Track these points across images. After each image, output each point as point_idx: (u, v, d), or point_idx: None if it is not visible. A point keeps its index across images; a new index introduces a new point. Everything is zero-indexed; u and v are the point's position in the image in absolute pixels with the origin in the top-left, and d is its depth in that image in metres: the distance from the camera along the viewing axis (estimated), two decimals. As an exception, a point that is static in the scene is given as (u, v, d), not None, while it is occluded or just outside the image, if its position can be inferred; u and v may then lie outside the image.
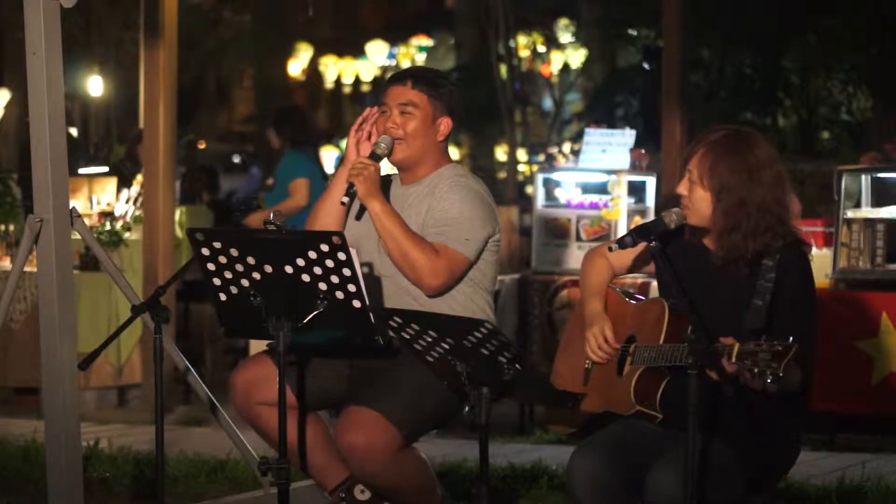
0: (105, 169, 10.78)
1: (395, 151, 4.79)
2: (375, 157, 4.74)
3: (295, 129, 9.78)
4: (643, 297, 4.51)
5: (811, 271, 4.29)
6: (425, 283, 4.66)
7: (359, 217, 4.87)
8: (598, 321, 4.40)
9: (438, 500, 4.81)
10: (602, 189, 9.33)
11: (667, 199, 8.12)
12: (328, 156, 28.01)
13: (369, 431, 4.55)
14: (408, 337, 4.09)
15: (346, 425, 4.59)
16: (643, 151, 9.27)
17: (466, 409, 4.01)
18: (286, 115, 10.11)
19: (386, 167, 4.84)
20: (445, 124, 4.86)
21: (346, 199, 4.72)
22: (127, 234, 9.23)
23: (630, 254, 4.47)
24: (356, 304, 4.24)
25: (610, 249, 4.39)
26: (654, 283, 4.61)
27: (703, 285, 4.26)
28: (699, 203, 4.26)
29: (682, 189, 4.29)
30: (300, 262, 4.22)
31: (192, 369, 5.51)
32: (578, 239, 9.12)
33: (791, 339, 3.80)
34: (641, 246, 4.30)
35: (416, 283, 4.67)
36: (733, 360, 3.87)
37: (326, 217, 4.84)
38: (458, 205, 4.72)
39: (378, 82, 27.01)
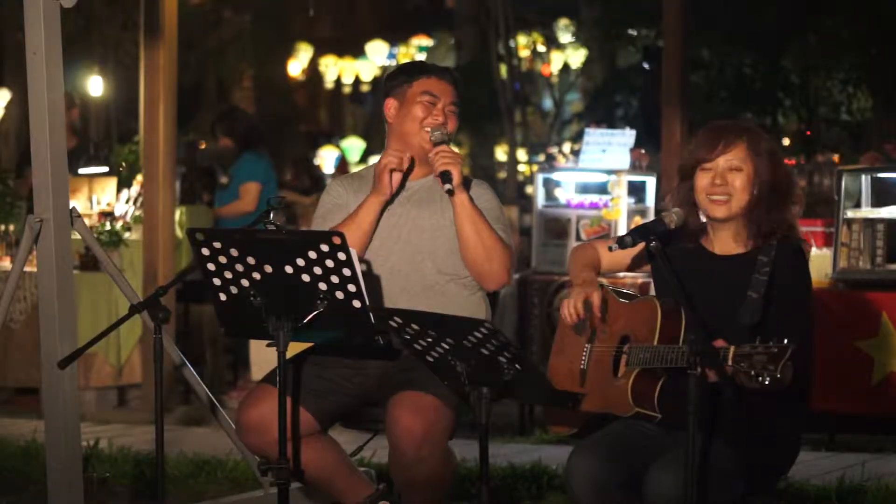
0: (105, 169, 10.77)
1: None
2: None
3: (245, 129, 9.79)
4: (636, 296, 4.51)
5: (808, 268, 4.31)
6: (498, 277, 4.73)
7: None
8: (586, 287, 4.39)
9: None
10: (602, 189, 9.33)
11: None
12: (328, 155, 28.05)
13: (429, 415, 4.53)
14: (408, 337, 4.09)
15: (403, 409, 4.54)
16: (643, 151, 9.27)
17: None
18: (233, 117, 10.11)
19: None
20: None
21: (450, 188, 4.68)
22: (127, 234, 9.23)
23: (627, 255, 4.48)
24: (356, 304, 4.24)
25: (610, 249, 4.39)
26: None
27: (701, 285, 4.27)
28: (743, 192, 4.29)
29: (720, 179, 4.28)
30: (300, 262, 4.22)
31: (191, 369, 5.52)
32: (578, 239, 9.12)
33: (787, 340, 3.81)
34: (640, 246, 4.32)
35: (488, 274, 4.72)
36: (729, 362, 3.88)
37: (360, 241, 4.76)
38: (498, 207, 4.85)
39: (378, 82, 27.01)
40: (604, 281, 4.55)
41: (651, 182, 9.27)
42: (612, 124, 18.57)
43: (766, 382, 3.79)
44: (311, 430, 4.71)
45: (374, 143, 25.10)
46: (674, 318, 4.16)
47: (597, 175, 9.38)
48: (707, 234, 4.39)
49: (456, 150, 4.75)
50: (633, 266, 4.56)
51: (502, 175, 25.60)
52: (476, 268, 4.71)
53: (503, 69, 23.04)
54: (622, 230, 8.74)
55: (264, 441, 4.65)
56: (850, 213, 7.79)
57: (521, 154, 25.16)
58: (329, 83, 28.36)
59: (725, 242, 4.35)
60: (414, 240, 4.78)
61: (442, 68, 4.98)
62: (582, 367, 4.45)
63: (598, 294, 4.38)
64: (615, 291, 4.50)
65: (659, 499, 4.06)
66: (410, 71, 4.91)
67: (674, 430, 4.15)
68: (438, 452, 4.56)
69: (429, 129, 4.76)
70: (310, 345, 4.82)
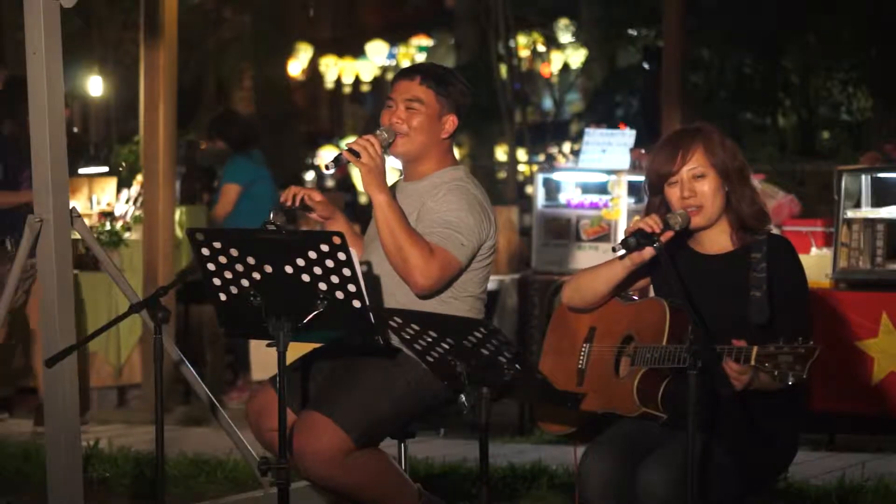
0: (105, 169, 10.76)
1: (397, 144, 4.79)
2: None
3: (238, 132, 9.77)
4: (634, 298, 4.51)
5: (799, 259, 4.33)
6: (414, 282, 4.65)
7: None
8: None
9: (413, 496, 4.79)
10: (602, 189, 9.33)
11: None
12: (328, 155, 28.04)
13: (317, 436, 4.54)
14: (408, 337, 4.09)
15: (297, 430, 4.58)
16: (643, 151, 9.27)
17: (466, 409, 4.02)
18: (227, 120, 10.08)
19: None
20: (451, 122, 4.86)
21: (330, 164, 4.72)
22: (127, 234, 9.23)
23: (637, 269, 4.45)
24: (356, 304, 4.24)
25: (613, 250, 4.38)
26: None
27: (699, 286, 4.27)
28: (714, 196, 4.28)
29: (688, 191, 4.28)
30: (300, 262, 4.22)
31: (191, 369, 5.52)
32: (578, 239, 9.13)
33: (812, 340, 3.80)
34: (637, 258, 4.31)
35: (406, 279, 4.67)
36: (752, 362, 3.87)
37: None
38: (457, 209, 4.72)
39: (378, 82, 27.03)
40: None
41: (651, 182, 9.25)
42: (612, 124, 18.55)
43: (791, 383, 3.80)
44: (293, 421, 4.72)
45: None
46: (682, 319, 4.16)
47: (597, 175, 9.39)
48: (693, 236, 4.39)
49: (376, 141, 4.68)
50: (632, 281, 4.51)
51: (502, 175, 25.58)
52: (396, 270, 4.68)
53: (503, 69, 22.99)
54: (622, 230, 8.74)
55: (260, 431, 4.79)
56: (850, 213, 7.79)
57: (522, 154, 25.14)
58: (329, 83, 28.36)
59: (712, 242, 4.36)
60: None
61: (411, 67, 5.00)
62: (580, 366, 4.45)
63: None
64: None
65: (651, 497, 4.06)
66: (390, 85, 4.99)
67: (676, 430, 4.15)
68: (337, 470, 4.58)
69: (378, 132, 4.78)
70: (315, 346, 4.83)
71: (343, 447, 4.57)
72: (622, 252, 4.28)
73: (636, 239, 4.24)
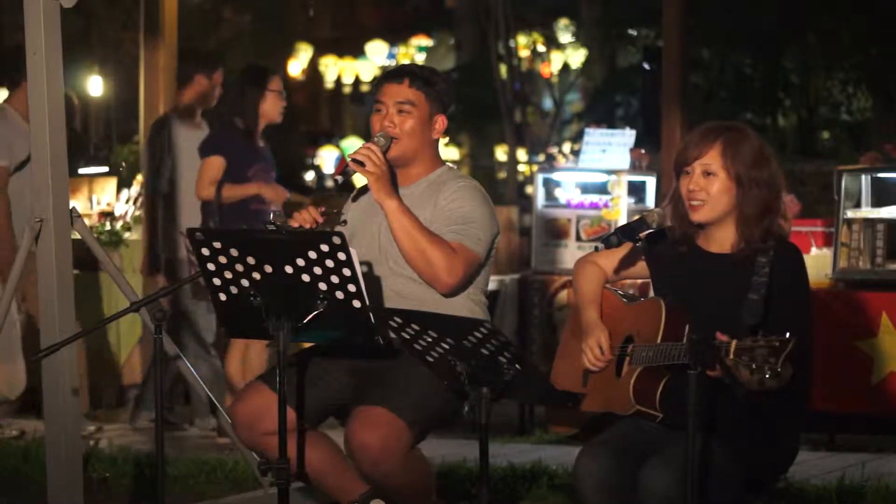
0: (105, 169, 10.76)
1: (390, 148, 4.78)
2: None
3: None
4: (641, 298, 4.52)
5: (805, 267, 4.31)
6: (442, 282, 4.66)
7: (355, 199, 4.89)
8: (594, 331, 4.41)
9: (433, 502, 4.81)
10: (602, 189, 9.34)
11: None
12: (328, 155, 28.06)
13: (384, 431, 4.53)
14: (408, 337, 4.08)
15: (360, 425, 4.56)
16: (643, 151, 9.27)
17: (466, 409, 4.02)
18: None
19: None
20: (441, 122, 4.86)
21: (339, 179, 4.72)
22: (127, 234, 9.22)
23: (618, 255, 4.47)
24: (356, 304, 4.24)
25: (596, 249, 4.41)
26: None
27: (700, 284, 4.27)
28: (720, 196, 4.26)
29: (694, 185, 4.28)
30: (300, 262, 4.22)
31: (191, 369, 5.52)
32: (578, 239, 9.13)
33: (788, 333, 3.80)
34: (627, 247, 4.33)
35: (432, 281, 4.66)
36: (731, 356, 3.87)
37: None
38: (470, 205, 4.74)
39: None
40: (607, 285, 4.55)
41: (651, 182, 9.27)
42: (612, 124, 18.57)
43: (767, 376, 3.78)
44: (295, 424, 4.71)
45: (374, 143, 25.04)
46: (678, 318, 4.16)
47: (597, 175, 9.39)
48: (702, 233, 4.38)
49: (376, 149, 4.67)
50: (626, 268, 4.53)
51: (502, 175, 25.60)
52: (419, 273, 4.68)
53: (503, 69, 23.02)
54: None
55: (254, 435, 4.71)
56: (850, 213, 7.79)
57: (521, 154, 25.17)
58: (329, 83, 28.39)
59: (719, 241, 4.35)
60: (386, 246, 4.78)
61: (396, 69, 4.96)
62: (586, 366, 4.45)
63: (605, 335, 4.39)
64: (619, 293, 4.51)
65: (653, 498, 4.06)
66: (373, 86, 4.95)
67: (675, 430, 4.15)
68: (399, 465, 4.57)
69: (375, 138, 4.78)
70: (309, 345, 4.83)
71: (408, 443, 4.58)
72: (601, 247, 4.30)
73: (618, 237, 4.26)
